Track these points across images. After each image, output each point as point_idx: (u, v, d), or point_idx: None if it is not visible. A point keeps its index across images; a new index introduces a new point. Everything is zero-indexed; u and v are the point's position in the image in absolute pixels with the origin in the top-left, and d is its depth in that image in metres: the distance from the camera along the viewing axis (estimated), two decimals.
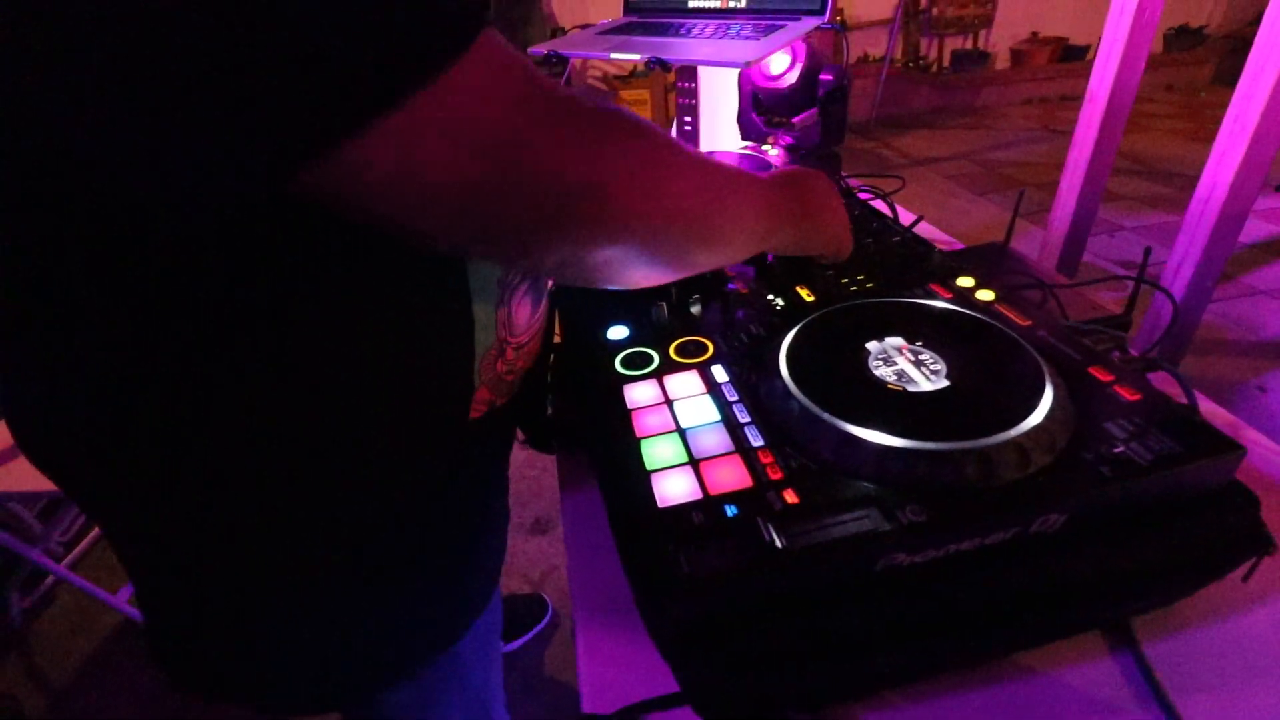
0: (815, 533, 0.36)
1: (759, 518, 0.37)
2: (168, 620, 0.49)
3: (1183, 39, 5.06)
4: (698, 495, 0.39)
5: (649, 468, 0.42)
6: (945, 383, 0.45)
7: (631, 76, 4.43)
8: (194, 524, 0.42)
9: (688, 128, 1.15)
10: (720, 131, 1.14)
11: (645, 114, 4.18)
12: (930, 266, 0.60)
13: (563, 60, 0.96)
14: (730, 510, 0.38)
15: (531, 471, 1.81)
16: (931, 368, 0.46)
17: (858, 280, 0.60)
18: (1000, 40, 4.99)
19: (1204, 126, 4.18)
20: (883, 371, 0.46)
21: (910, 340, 0.49)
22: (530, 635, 1.38)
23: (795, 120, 0.95)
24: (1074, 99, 4.68)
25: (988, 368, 0.46)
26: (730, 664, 0.37)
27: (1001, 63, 5.07)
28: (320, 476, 0.41)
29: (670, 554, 0.35)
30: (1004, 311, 0.54)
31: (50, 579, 1.56)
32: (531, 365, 0.53)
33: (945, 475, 0.38)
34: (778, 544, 0.35)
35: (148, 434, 0.38)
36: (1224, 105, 1.32)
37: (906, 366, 0.46)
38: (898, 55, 4.72)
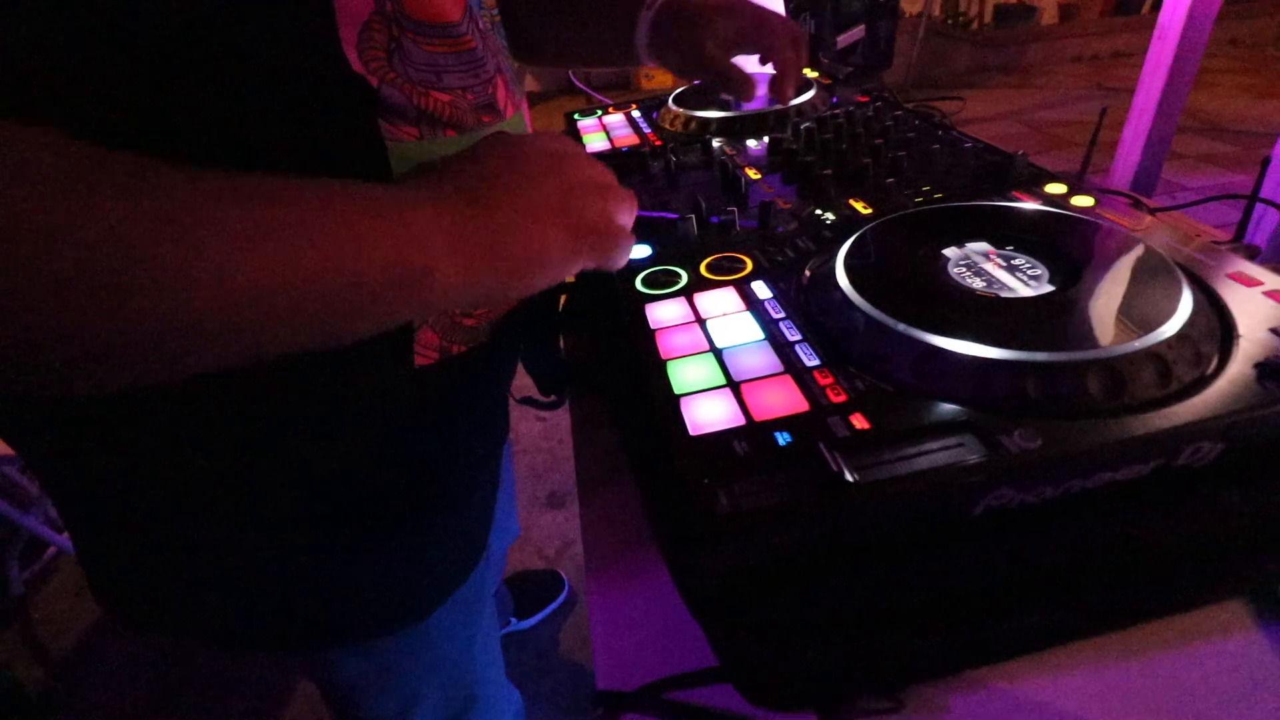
0: (896, 464, 0.28)
1: (821, 445, 0.29)
2: (103, 558, 0.45)
3: None
4: (739, 421, 0.31)
5: (678, 392, 0.34)
6: (1049, 288, 0.36)
7: None
8: (127, 461, 0.37)
9: None
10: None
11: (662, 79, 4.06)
12: (1013, 172, 0.51)
13: None
14: (782, 438, 0.30)
15: (547, 444, 1.74)
16: (1029, 273, 0.37)
17: (923, 191, 0.51)
18: None
19: (1273, 83, 3.89)
20: (968, 279, 0.37)
21: (998, 245, 0.40)
22: (546, 612, 1.32)
23: (840, 38, 0.85)
24: (1129, 55, 4.41)
25: (1103, 271, 0.37)
26: (781, 631, 0.29)
27: (1049, 17, 4.80)
28: (253, 410, 0.37)
29: (706, 489, 0.28)
30: (1108, 217, 0.44)
31: (51, 550, 1.54)
32: (504, 314, 0.46)
33: (1062, 393, 0.29)
34: (847, 477, 0.27)
35: None
36: None
37: (997, 273, 0.37)
38: (936, 11, 4.49)
